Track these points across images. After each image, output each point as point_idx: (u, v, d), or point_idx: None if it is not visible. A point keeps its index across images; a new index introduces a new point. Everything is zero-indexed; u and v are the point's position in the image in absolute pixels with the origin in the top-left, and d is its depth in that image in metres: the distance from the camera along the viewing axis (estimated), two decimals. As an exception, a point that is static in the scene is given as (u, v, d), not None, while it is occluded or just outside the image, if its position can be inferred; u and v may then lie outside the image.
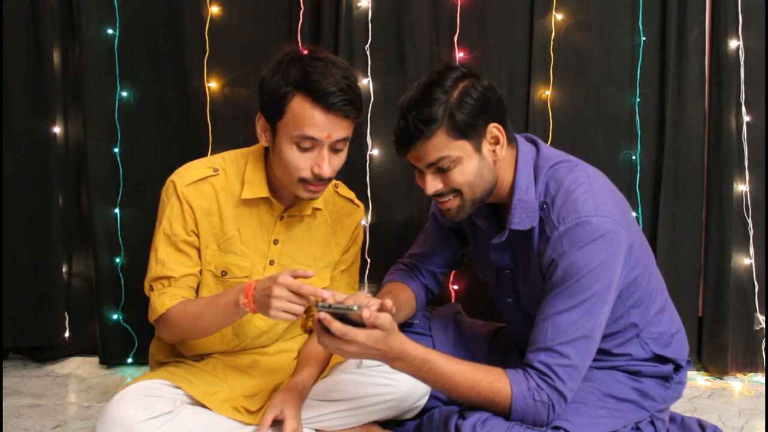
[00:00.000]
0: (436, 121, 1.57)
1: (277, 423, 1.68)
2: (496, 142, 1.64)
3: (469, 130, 1.59)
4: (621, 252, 1.58)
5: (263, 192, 1.76)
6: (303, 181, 1.67)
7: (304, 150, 1.64)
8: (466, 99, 1.59)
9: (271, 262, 1.81)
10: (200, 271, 1.78)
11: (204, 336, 1.76)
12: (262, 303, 1.53)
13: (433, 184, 1.64)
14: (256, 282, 1.58)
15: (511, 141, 1.69)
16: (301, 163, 1.65)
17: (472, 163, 1.61)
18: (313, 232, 1.86)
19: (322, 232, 1.87)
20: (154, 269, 1.75)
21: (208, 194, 1.76)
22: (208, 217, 1.76)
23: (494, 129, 1.63)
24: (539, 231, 1.64)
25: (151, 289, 1.75)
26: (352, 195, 1.96)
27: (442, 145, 1.59)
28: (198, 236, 1.76)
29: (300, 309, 1.50)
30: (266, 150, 1.78)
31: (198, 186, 1.75)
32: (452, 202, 1.66)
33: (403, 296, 1.91)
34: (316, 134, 1.62)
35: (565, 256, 1.55)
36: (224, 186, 1.77)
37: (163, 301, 1.71)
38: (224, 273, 1.78)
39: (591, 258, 1.54)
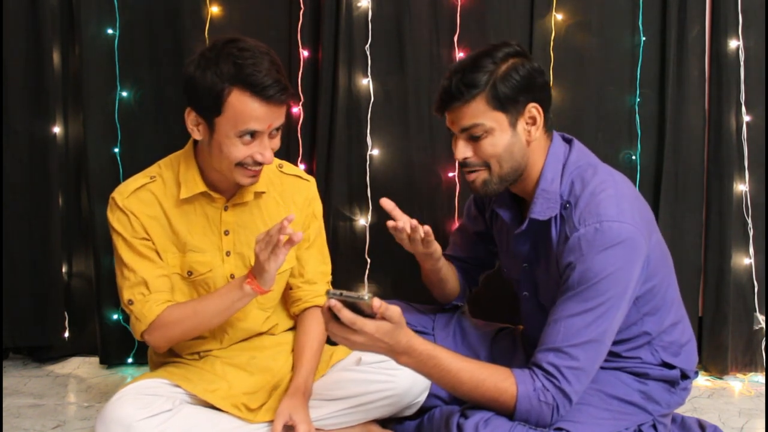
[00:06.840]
0: (478, 86, 1.62)
1: (288, 428, 1.69)
2: (533, 122, 1.66)
3: (508, 104, 1.63)
4: (639, 260, 1.58)
5: (199, 188, 1.77)
6: (241, 165, 1.69)
7: (245, 142, 1.67)
8: (512, 73, 1.63)
9: (228, 253, 1.81)
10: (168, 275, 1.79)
11: (201, 332, 1.79)
12: (258, 265, 1.63)
13: (463, 151, 1.68)
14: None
15: (549, 129, 1.72)
16: (243, 153, 1.67)
17: (504, 137, 1.65)
18: (264, 215, 1.86)
19: (274, 214, 1.87)
20: (127, 280, 1.75)
21: (149, 201, 1.77)
22: (157, 221, 1.77)
23: (533, 109, 1.65)
24: (559, 229, 1.65)
25: (131, 303, 1.74)
26: (299, 171, 1.97)
27: (479, 112, 1.63)
28: (153, 242, 1.77)
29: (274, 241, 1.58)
30: (195, 146, 1.79)
31: (137, 195, 1.77)
32: (478, 175, 1.69)
33: (447, 265, 1.96)
34: (259, 127, 1.65)
35: (582, 259, 1.55)
36: (163, 190, 1.79)
37: (151, 307, 1.72)
38: (190, 273, 1.79)
39: (608, 264, 1.54)
